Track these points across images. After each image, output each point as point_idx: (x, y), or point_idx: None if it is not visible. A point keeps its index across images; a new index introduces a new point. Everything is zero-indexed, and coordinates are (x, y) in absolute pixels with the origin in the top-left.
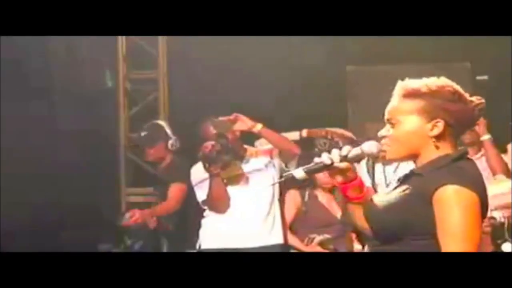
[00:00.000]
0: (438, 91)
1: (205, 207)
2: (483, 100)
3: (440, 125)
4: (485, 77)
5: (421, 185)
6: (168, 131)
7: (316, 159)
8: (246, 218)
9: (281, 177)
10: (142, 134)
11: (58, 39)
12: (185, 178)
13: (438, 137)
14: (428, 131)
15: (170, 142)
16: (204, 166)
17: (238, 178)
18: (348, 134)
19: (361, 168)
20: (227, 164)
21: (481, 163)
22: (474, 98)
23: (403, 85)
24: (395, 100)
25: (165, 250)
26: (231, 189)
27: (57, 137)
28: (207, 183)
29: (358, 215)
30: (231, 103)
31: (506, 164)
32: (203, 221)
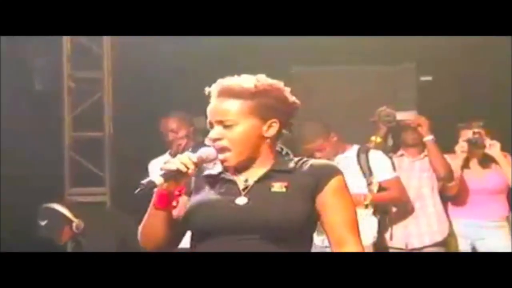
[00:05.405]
0: (269, 90)
1: None
2: (294, 98)
3: (276, 125)
4: (429, 78)
5: (299, 182)
6: (68, 214)
7: (171, 166)
8: None
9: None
10: (42, 223)
11: (3, 38)
12: None
13: (272, 137)
14: (264, 131)
15: (74, 224)
16: None
17: None
18: None
19: (351, 161)
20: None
21: (425, 163)
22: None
23: (226, 84)
24: (220, 101)
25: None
26: None
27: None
28: None
29: (162, 222)
30: (175, 103)
31: (449, 165)
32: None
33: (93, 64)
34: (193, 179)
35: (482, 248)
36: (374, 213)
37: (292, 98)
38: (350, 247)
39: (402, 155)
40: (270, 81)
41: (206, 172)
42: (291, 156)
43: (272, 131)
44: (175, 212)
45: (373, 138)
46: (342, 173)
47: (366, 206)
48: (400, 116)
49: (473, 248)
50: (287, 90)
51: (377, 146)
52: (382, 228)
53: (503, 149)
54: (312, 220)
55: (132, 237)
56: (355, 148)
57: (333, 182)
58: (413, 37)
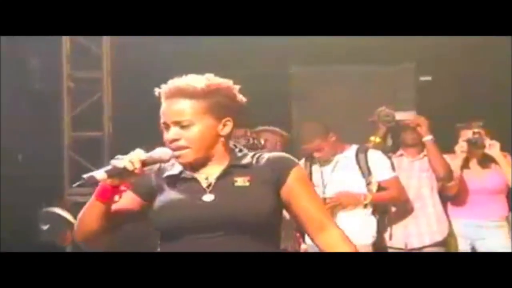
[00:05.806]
0: (220, 89)
1: None
2: (241, 96)
3: (230, 124)
4: (429, 78)
5: (260, 175)
6: (69, 217)
7: (119, 163)
8: None
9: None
10: (44, 227)
11: (3, 38)
12: None
13: (226, 136)
14: (219, 130)
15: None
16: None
17: None
18: (276, 129)
19: (350, 161)
20: None
21: (424, 163)
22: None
23: (177, 85)
24: (172, 102)
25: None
26: None
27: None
28: None
29: (100, 214)
30: None
31: (448, 165)
32: None
33: (92, 64)
34: (154, 181)
35: (482, 248)
36: (373, 212)
37: (240, 96)
38: (333, 230)
39: (401, 155)
40: (220, 80)
41: (167, 173)
42: (245, 151)
43: (227, 129)
44: (114, 206)
45: (372, 138)
46: (298, 163)
47: (365, 206)
48: (400, 116)
49: (473, 248)
50: (236, 88)
51: (377, 146)
52: (381, 228)
53: (503, 149)
54: (278, 213)
55: (132, 237)
56: (354, 148)
57: (294, 173)
58: (412, 37)
